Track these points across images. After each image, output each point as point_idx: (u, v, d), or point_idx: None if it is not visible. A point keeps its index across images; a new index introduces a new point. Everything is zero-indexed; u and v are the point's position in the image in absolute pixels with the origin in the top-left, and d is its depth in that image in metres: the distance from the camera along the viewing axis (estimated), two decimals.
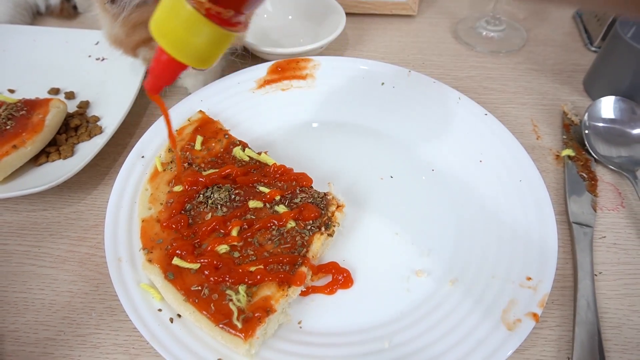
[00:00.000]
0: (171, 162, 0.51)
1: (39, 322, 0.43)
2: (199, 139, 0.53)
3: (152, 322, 0.40)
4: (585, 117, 0.58)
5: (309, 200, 0.46)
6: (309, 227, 0.45)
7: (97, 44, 0.68)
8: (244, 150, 0.51)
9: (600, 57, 0.62)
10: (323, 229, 0.45)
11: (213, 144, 0.53)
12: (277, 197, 0.46)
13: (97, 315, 0.43)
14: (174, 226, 0.44)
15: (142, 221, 0.45)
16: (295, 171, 0.50)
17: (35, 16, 0.79)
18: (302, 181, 0.48)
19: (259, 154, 0.51)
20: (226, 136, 0.53)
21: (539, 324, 0.43)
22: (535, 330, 0.42)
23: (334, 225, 0.45)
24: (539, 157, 0.57)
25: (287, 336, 0.41)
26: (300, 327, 0.42)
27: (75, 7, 0.78)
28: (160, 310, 0.41)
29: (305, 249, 0.43)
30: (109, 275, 0.42)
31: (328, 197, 0.47)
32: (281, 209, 0.45)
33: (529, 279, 0.42)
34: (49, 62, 0.66)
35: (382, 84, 0.61)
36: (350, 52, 0.72)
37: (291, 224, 0.44)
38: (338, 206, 0.47)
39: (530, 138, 0.59)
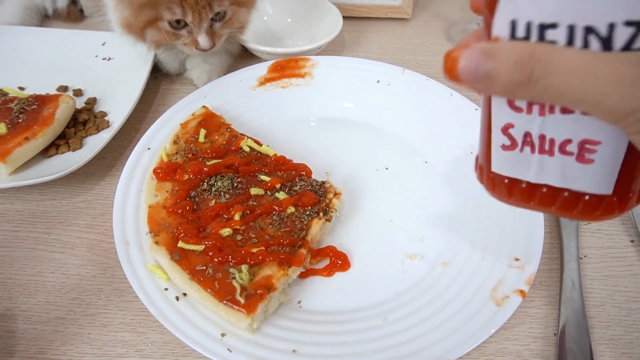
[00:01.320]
0: (176, 153, 0.53)
1: (50, 303, 0.45)
2: (203, 132, 0.55)
3: (159, 300, 0.42)
4: None
5: (308, 188, 0.49)
6: (307, 212, 0.47)
7: (103, 44, 0.71)
8: (247, 141, 0.54)
9: None
10: (321, 214, 0.47)
11: (216, 137, 0.55)
12: (278, 185, 0.49)
13: (105, 297, 0.46)
14: (179, 211, 0.46)
15: (149, 207, 0.47)
16: (294, 162, 0.52)
17: (44, 19, 0.81)
18: (301, 171, 0.51)
19: (260, 145, 0.53)
20: (228, 130, 0.56)
21: (527, 303, 0.45)
22: (523, 309, 0.45)
23: (332, 211, 0.48)
24: None
25: (288, 314, 0.43)
26: (300, 307, 0.44)
27: (81, 11, 0.81)
28: (166, 289, 0.43)
29: (304, 232, 0.45)
30: (117, 259, 0.44)
31: (326, 185, 0.49)
32: (281, 195, 0.48)
33: (517, 259, 0.45)
34: (57, 61, 0.69)
35: (378, 81, 0.63)
36: (347, 53, 0.75)
37: (291, 209, 0.47)
38: (335, 194, 0.49)
39: None
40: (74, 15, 0.81)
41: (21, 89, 0.65)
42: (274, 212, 0.47)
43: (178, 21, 0.56)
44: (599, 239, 0.50)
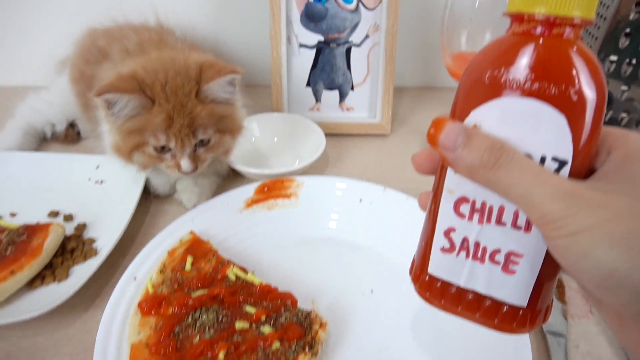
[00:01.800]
0: (162, 283, 0.53)
1: None
2: (189, 259, 0.56)
3: None
4: None
5: (294, 319, 0.49)
6: (293, 347, 0.46)
7: (97, 167, 0.74)
8: (233, 269, 0.54)
9: None
10: (307, 348, 0.46)
11: (203, 264, 0.56)
12: (263, 318, 0.49)
13: None
14: (162, 351, 0.45)
15: (132, 346, 0.46)
16: (280, 289, 0.52)
17: (42, 142, 0.85)
18: (286, 300, 0.51)
19: (246, 273, 0.54)
20: (215, 256, 0.57)
21: None
22: None
23: (318, 345, 0.47)
24: None
25: None
26: None
27: (79, 133, 0.86)
28: None
29: None
30: None
31: (312, 316, 0.49)
32: (267, 329, 0.47)
33: None
34: (50, 185, 0.71)
35: (360, 200, 0.66)
36: (330, 170, 0.79)
37: (276, 344, 0.46)
38: (321, 324, 0.49)
39: None
40: (72, 137, 0.85)
41: (13, 214, 0.66)
42: (258, 349, 0.46)
43: (162, 146, 0.60)
44: None
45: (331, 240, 0.63)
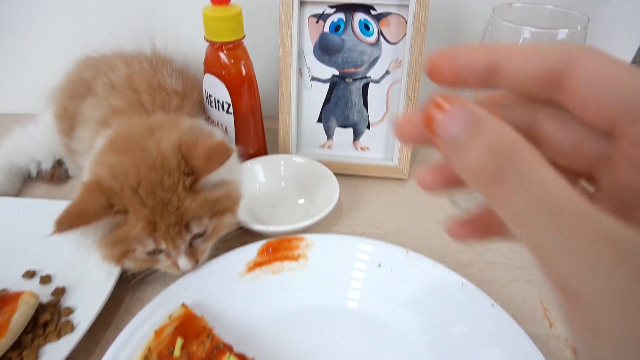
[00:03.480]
0: None
1: None
2: (179, 342, 0.47)
3: None
4: None
5: None
6: None
7: None
8: (229, 357, 0.46)
9: None
10: None
11: (195, 348, 0.47)
12: None
13: None
14: None
15: None
16: None
17: (26, 181, 0.78)
18: None
19: None
20: (209, 337, 0.48)
21: None
22: None
23: None
24: (553, 351, 0.52)
25: None
26: None
27: (67, 172, 0.78)
28: None
29: None
30: None
31: None
32: None
33: None
34: (30, 237, 0.63)
35: (379, 265, 0.57)
36: (344, 220, 0.70)
37: None
38: None
39: (543, 326, 0.54)
40: (58, 176, 0.77)
41: None
42: None
43: (153, 250, 0.52)
44: None
45: (344, 310, 0.55)
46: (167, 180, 0.49)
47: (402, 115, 0.25)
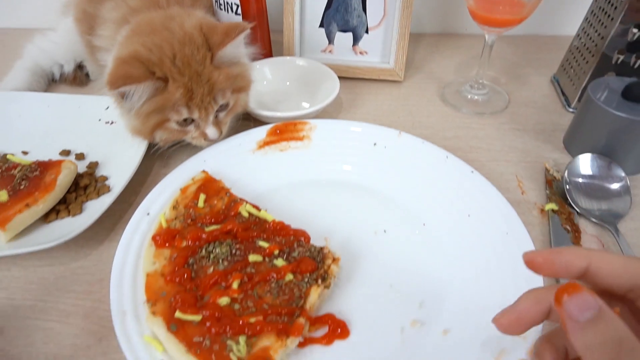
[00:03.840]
0: (175, 218, 0.53)
1: None
2: (202, 196, 0.56)
3: None
4: (566, 174, 0.61)
5: (306, 254, 0.49)
6: (306, 279, 0.47)
7: (107, 108, 0.73)
8: (245, 206, 0.54)
9: (576, 118, 0.67)
10: (320, 281, 0.47)
11: (215, 202, 0.56)
12: (276, 252, 0.49)
13: None
14: (177, 279, 0.46)
15: (147, 275, 0.47)
16: (293, 227, 0.52)
17: (50, 83, 0.84)
18: (299, 236, 0.51)
19: (259, 210, 0.54)
20: (227, 194, 0.56)
21: None
22: None
23: (330, 278, 0.47)
24: (524, 211, 0.60)
25: None
26: None
27: (87, 75, 0.84)
28: None
29: (302, 301, 0.45)
30: (112, 328, 0.44)
31: (324, 251, 0.49)
32: (280, 262, 0.48)
33: None
34: (61, 126, 0.71)
35: (375, 144, 0.65)
36: (344, 115, 0.77)
37: (289, 276, 0.46)
38: (334, 259, 0.49)
39: (516, 193, 0.63)
40: (80, 79, 0.84)
41: (25, 153, 0.66)
42: (272, 280, 0.46)
43: (185, 119, 0.59)
44: None
45: (344, 182, 0.63)
46: (197, 54, 0.56)
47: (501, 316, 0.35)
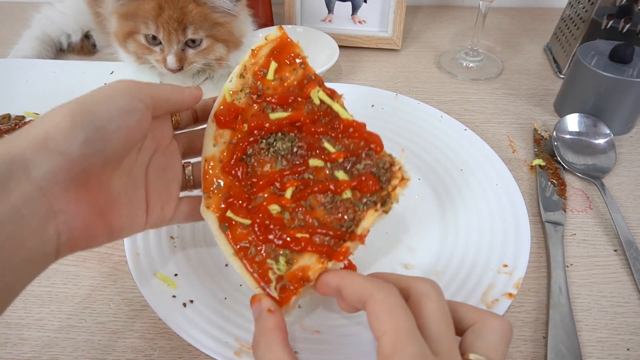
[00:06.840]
0: (240, 90, 0.47)
1: (62, 312, 0.47)
2: (273, 66, 0.48)
3: (167, 306, 0.44)
4: (554, 132, 0.64)
5: (373, 169, 0.42)
6: (365, 200, 0.40)
7: (111, 73, 0.75)
8: (318, 92, 0.46)
9: (566, 81, 0.70)
10: (379, 205, 0.40)
11: (287, 74, 0.47)
12: (340, 159, 0.43)
13: (115, 306, 0.48)
14: (233, 172, 0.44)
15: (205, 160, 0.45)
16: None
17: (58, 53, 0.87)
18: (371, 142, 0.43)
19: (333, 99, 0.46)
20: (302, 66, 0.47)
21: (517, 308, 0.47)
22: (514, 314, 0.47)
23: (391, 202, 0.40)
24: (514, 168, 0.63)
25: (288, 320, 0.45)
26: (300, 307, 0.47)
27: (94, 45, 0.86)
28: (174, 296, 0.45)
29: (354, 224, 0.40)
30: (127, 271, 0.47)
31: (394, 169, 0.41)
32: (341, 175, 0.42)
33: (506, 266, 0.47)
34: (68, 90, 0.72)
35: (372, 105, 0.68)
36: (343, 81, 0.80)
37: (347, 194, 0.41)
38: (402, 179, 0.40)
39: (507, 152, 0.66)
40: (87, 49, 0.86)
41: (36, 114, 0.69)
42: (328, 194, 0.42)
43: (154, 37, 0.63)
44: (584, 248, 0.53)
45: None
46: None
47: None
